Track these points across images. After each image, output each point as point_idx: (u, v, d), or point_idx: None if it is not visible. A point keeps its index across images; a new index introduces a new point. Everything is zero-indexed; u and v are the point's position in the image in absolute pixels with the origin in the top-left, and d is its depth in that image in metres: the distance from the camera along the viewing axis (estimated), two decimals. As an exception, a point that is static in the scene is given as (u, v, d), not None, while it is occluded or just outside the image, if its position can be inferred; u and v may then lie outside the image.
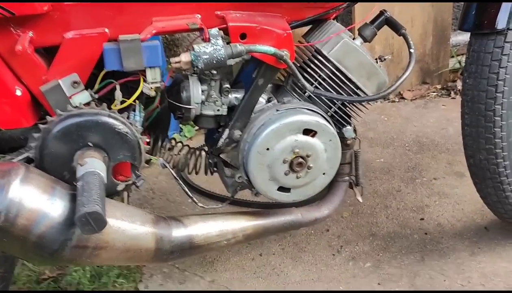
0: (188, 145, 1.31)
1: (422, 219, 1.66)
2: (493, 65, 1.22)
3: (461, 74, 2.54)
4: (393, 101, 2.51)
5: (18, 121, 1.05)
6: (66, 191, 0.97)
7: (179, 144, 1.29)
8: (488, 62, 1.23)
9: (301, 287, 1.42)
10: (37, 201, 0.92)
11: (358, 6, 2.07)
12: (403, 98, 2.52)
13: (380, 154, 2.04)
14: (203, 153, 1.31)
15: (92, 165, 0.99)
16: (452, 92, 2.52)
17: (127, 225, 1.02)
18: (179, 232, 1.11)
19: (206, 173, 1.31)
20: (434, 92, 2.55)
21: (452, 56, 2.62)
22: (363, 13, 2.00)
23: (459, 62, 2.59)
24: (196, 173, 1.30)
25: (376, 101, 2.36)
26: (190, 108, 1.14)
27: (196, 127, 2.22)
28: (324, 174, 1.20)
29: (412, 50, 1.18)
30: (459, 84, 2.51)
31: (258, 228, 1.22)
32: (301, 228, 1.31)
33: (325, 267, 1.49)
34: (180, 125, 2.19)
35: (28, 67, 1.02)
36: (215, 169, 1.31)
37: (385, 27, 1.27)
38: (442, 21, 2.49)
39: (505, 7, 1.20)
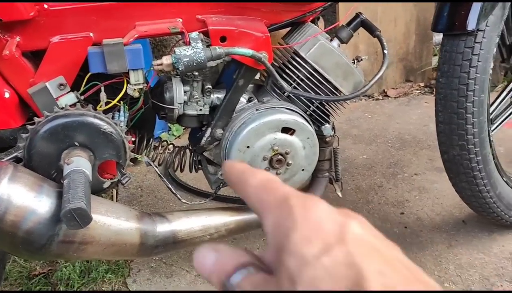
0: (173, 144, 1.36)
1: (402, 213, 1.71)
2: (464, 65, 1.28)
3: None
4: (377, 99, 2.56)
5: (6, 122, 1.09)
6: (53, 189, 1.01)
7: (164, 143, 1.34)
8: (460, 62, 1.28)
9: (284, 279, 1.47)
10: (25, 198, 0.96)
11: (341, 6, 2.12)
12: (387, 96, 2.57)
13: (363, 151, 2.09)
14: (188, 151, 1.36)
15: (78, 164, 1.03)
16: (434, 90, 2.58)
17: (112, 221, 1.07)
18: (163, 227, 1.15)
19: (190, 171, 1.36)
20: (417, 90, 2.61)
21: (435, 55, 2.68)
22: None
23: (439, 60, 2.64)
24: (181, 171, 1.35)
25: (359, 100, 2.41)
26: (173, 108, 1.18)
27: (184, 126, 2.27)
28: (303, 170, 1.25)
29: (385, 51, 1.24)
30: (442, 82, 2.57)
31: (240, 223, 1.27)
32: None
33: (307, 261, 1.53)
34: (169, 124, 2.23)
35: (16, 70, 1.06)
36: (199, 166, 1.36)
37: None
38: (424, 20, 2.55)
39: (475, 8, 1.25)
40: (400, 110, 2.42)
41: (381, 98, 2.56)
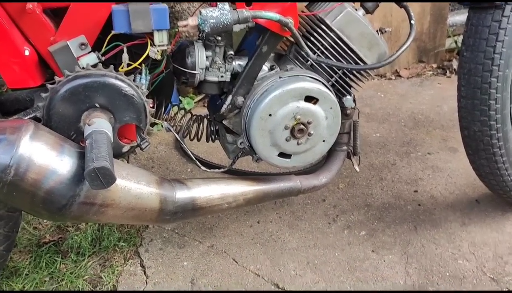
0: (191, 112, 1.34)
1: (415, 191, 1.70)
2: (491, 39, 1.25)
3: (457, 54, 2.57)
4: (390, 79, 2.54)
5: (25, 81, 1.07)
6: (74, 149, 1.00)
7: (182, 111, 1.32)
8: (486, 36, 1.26)
9: (298, 253, 1.46)
10: (47, 157, 0.95)
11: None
12: (399, 76, 2.55)
13: (376, 129, 2.07)
14: (205, 120, 1.34)
15: (100, 125, 1.01)
16: (447, 71, 2.55)
17: (132, 185, 1.06)
18: (182, 194, 1.14)
19: (207, 140, 1.34)
20: (430, 71, 2.59)
21: (449, 36, 2.64)
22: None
23: (456, 42, 2.62)
24: (198, 140, 1.33)
25: (372, 79, 2.39)
26: (195, 73, 1.16)
27: (195, 100, 2.24)
28: (324, 141, 1.23)
29: (413, 22, 1.21)
30: (455, 64, 2.55)
31: (259, 193, 1.26)
32: (300, 194, 1.35)
33: (321, 235, 1.53)
34: (180, 97, 2.20)
35: (37, 27, 1.04)
36: (216, 136, 1.34)
37: (386, 4, 1.29)
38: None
39: (504, -19, 1.22)
40: (412, 90, 2.40)
41: (394, 78, 2.54)
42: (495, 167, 1.39)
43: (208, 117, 1.34)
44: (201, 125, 1.33)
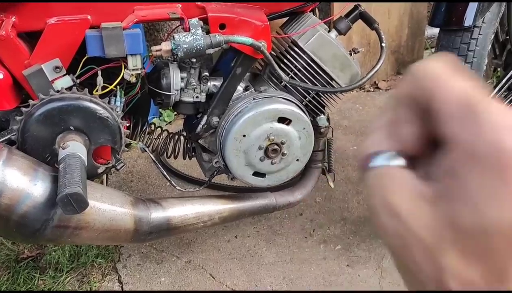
0: (167, 130, 1.35)
1: (391, 204, 1.73)
2: (460, 60, 1.29)
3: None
4: (368, 91, 2.57)
5: (0, 104, 1.07)
6: (48, 173, 1.00)
7: (159, 129, 1.33)
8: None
9: (274, 268, 1.48)
10: (20, 181, 0.95)
11: (336, -3, 2.11)
12: (378, 88, 2.59)
13: (354, 142, 2.10)
14: (182, 138, 1.35)
15: (74, 148, 1.02)
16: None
17: (107, 207, 1.07)
18: (157, 214, 1.15)
19: (184, 158, 1.36)
20: (408, 83, 2.63)
21: (427, 48, 2.69)
22: (341, 5, 2.05)
23: (433, 54, 2.67)
24: (175, 157, 1.34)
25: (351, 92, 2.42)
26: (170, 95, 1.17)
27: (176, 112, 2.26)
28: (297, 160, 1.25)
29: (383, 44, 1.24)
30: (432, 76, 2.59)
31: (234, 211, 1.28)
32: (275, 211, 1.37)
33: (297, 249, 1.55)
34: (160, 110, 2.21)
35: (11, 51, 1.04)
36: (193, 153, 1.36)
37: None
38: (417, 14, 2.56)
39: (472, 6, 1.26)
40: (390, 102, 2.44)
41: (372, 90, 2.58)
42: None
43: (185, 135, 1.36)
44: (178, 142, 1.34)
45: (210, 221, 1.24)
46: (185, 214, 1.19)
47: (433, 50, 2.67)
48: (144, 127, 1.27)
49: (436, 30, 2.72)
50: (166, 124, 2.23)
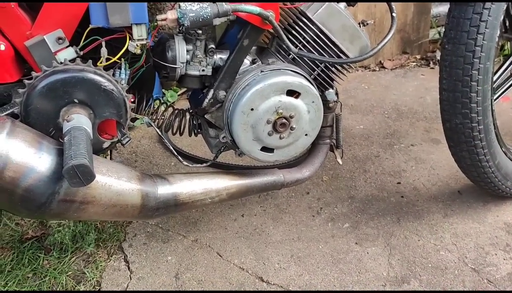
0: (172, 107, 1.33)
1: (399, 183, 1.71)
2: (471, 31, 1.26)
3: (441, 45, 2.58)
4: (374, 70, 2.54)
5: (2, 77, 1.04)
6: (53, 146, 0.98)
7: (164, 105, 1.30)
8: (467, 28, 1.26)
9: (282, 246, 1.46)
10: (24, 154, 0.93)
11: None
12: (383, 67, 2.55)
13: (360, 121, 2.08)
14: (187, 114, 1.32)
15: (79, 121, 1.00)
16: (431, 62, 2.56)
17: (113, 181, 1.04)
18: (164, 189, 1.13)
19: (190, 134, 1.33)
20: (413, 62, 2.59)
21: (432, 27, 2.65)
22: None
23: (439, 33, 2.63)
24: (181, 134, 1.32)
25: (356, 71, 2.39)
26: (176, 67, 1.14)
27: (179, 92, 2.23)
28: (306, 134, 1.23)
29: (394, 14, 1.21)
30: (438, 55, 2.55)
31: (242, 187, 1.26)
32: (283, 188, 1.35)
33: (305, 228, 1.53)
34: (163, 90, 2.18)
35: (12, 21, 1.01)
36: (199, 130, 1.33)
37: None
38: (423, -9, 2.52)
39: (485, -27, 1.22)
40: (396, 81, 2.41)
41: (378, 69, 2.54)
42: (476, 159, 1.40)
43: (190, 111, 1.33)
44: (183, 119, 1.32)
45: (218, 197, 1.22)
46: (193, 190, 1.17)
47: (439, 29, 2.64)
48: (150, 103, 1.25)
49: (441, 8, 2.70)
50: (170, 104, 2.20)
